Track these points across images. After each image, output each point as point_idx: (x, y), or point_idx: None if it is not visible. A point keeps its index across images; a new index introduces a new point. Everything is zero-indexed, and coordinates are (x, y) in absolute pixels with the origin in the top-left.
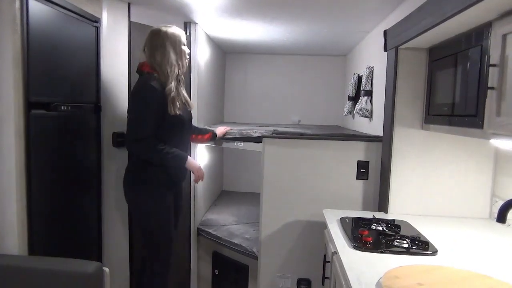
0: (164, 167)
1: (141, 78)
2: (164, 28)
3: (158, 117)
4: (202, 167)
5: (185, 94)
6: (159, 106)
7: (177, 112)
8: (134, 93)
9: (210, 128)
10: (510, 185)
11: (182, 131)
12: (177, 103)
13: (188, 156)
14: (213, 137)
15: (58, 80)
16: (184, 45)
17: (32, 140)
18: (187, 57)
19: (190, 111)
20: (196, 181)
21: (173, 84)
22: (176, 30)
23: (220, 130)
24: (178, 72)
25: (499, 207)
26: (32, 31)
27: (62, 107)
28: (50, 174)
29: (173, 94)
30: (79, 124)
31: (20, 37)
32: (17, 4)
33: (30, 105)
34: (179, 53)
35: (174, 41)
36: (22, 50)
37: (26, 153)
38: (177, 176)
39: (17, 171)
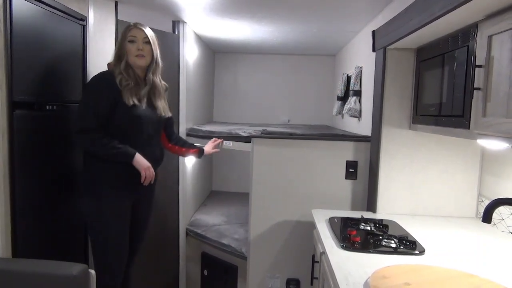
0: (115, 164)
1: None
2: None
3: (107, 108)
4: (189, 166)
5: (156, 100)
6: (109, 96)
7: (132, 102)
8: (84, 85)
9: (198, 145)
10: (496, 184)
11: (140, 129)
12: (134, 95)
13: (137, 153)
14: (199, 154)
15: (43, 79)
16: (131, 41)
17: (16, 141)
18: (135, 52)
19: (160, 115)
20: (144, 181)
21: (118, 75)
22: (128, 25)
23: (209, 146)
24: (123, 64)
25: (484, 207)
26: (16, 30)
27: (47, 107)
28: (35, 175)
29: (129, 86)
30: (64, 124)
31: (3, 35)
32: (0, 1)
33: (13, 104)
34: (121, 46)
35: (122, 34)
36: (6, 48)
37: (10, 154)
38: (130, 176)
39: (0, 172)
